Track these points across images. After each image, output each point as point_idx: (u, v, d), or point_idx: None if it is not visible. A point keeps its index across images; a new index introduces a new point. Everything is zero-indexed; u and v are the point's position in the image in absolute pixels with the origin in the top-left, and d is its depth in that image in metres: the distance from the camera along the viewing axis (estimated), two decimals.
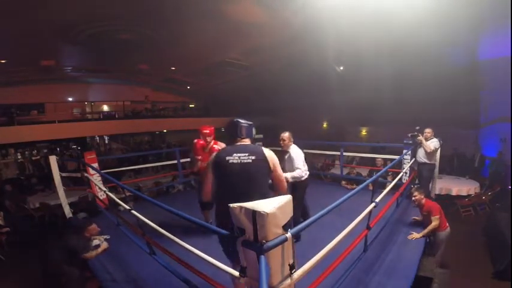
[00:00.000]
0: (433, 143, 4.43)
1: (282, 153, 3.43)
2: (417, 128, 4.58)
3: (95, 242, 3.35)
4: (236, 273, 1.43)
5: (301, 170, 3.28)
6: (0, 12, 5.67)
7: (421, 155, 4.56)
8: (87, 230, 3.25)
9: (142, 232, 2.66)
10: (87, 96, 13.17)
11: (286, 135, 3.44)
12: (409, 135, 4.71)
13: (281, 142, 3.44)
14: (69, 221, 4.16)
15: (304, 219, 3.24)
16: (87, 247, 3.15)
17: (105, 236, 3.57)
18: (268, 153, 2.03)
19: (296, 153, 3.36)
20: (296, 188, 3.33)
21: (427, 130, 4.54)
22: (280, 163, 3.33)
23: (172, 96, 15.41)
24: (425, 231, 3.42)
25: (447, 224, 3.56)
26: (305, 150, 6.64)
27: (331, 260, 2.14)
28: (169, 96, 15.27)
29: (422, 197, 3.58)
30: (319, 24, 6.62)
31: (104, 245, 3.33)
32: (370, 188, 3.24)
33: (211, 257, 1.77)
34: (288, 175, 3.19)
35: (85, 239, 3.23)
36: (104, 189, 3.88)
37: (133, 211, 2.60)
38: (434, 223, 3.39)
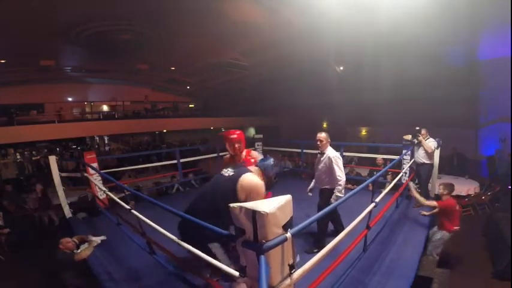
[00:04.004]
0: (431, 143, 4.42)
1: (319, 155, 3.32)
2: (417, 128, 4.56)
3: (86, 245, 3.34)
4: (236, 273, 1.43)
5: (342, 179, 3.06)
6: (1, 12, 5.67)
7: (420, 156, 4.54)
8: (61, 243, 3.19)
9: (142, 232, 2.66)
10: (86, 96, 13.18)
11: (323, 135, 3.21)
12: (409, 136, 4.67)
13: (318, 143, 3.23)
14: None
15: (337, 229, 3.22)
16: (70, 257, 3.11)
17: (102, 237, 3.56)
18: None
19: (334, 157, 3.11)
20: (328, 195, 3.15)
21: (422, 131, 4.53)
22: (316, 165, 3.34)
23: (172, 96, 15.41)
24: (429, 203, 3.66)
25: (454, 228, 3.54)
26: (305, 150, 6.72)
27: (331, 260, 2.14)
28: (169, 96, 15.26)
29: (445, 192, 3.61)
30: (319, 24, 6.63)
31: (94, 242, 3.30)
32: (370, 188, 3.24)
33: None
34: (337, 193, 3.02)
35: (65, 254, 3.13)
36: (104, 189, 3.87)
37: (133, 211, 2.60)
38: (436, 209, 3.57)
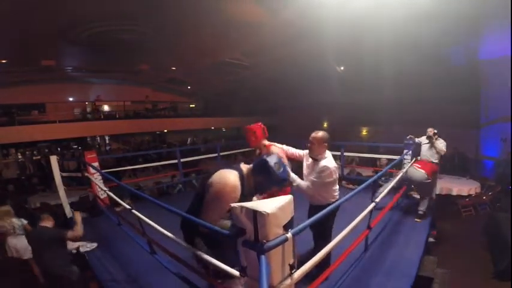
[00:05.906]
0: (442, 144, 4.31)
1: (311, 161, 2.48)
2: (435, 131, 4.35)
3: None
4: (236, 272, 1.43)
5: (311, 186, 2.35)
6: (1, 12, 5.69)
7: (428, 155, 4.40)
8: (42, 220, 3.11)
9: (143, 231, 2.66)
10: (87, 96, 13.19)
11: (318, 135, 2.34)
12: (423, 137, 4.54)
13: (308, 145, 2.39)
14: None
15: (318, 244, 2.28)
16: (59, 231, 3.05)
17: (94, 244, 3.56)
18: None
19: (328, 163, 2.30)
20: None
21: (429, 129, 4.43)
22: (304, 175, 2.55)
23: (173, 96, 15.43)
24: None
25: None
26: (306, 151, 6.71)
27: (331, 260, 2.14)
28: (169, 96, 15.28)
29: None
30: (320, 24, 6.63)
31: (78, 216, 3.17)
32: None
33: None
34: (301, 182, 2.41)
35: (48, 229, 3.04)
36: (105, 188, 3.88)
37: (133, 211, 2.60)
38: None
